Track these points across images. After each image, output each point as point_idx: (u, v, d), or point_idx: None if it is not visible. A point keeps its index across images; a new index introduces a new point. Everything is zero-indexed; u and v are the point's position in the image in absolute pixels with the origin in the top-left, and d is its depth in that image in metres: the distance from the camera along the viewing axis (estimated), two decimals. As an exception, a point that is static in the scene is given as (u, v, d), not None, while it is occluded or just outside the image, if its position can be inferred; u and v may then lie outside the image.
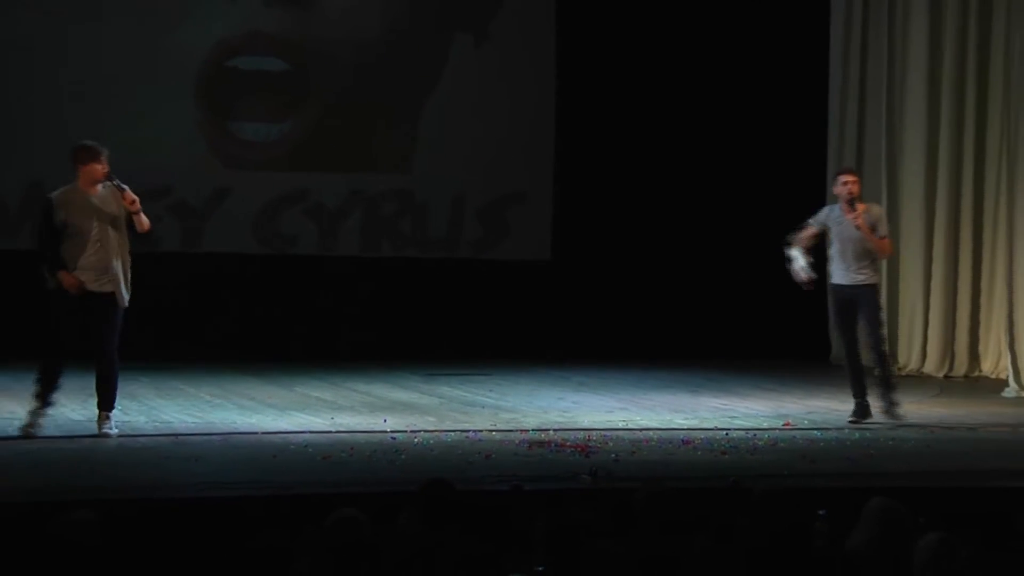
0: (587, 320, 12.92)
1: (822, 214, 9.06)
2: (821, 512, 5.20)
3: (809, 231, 9.01)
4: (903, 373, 12.01)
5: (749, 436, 8.35)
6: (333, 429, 8.43)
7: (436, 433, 8.31)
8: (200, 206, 12.55)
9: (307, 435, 8.15)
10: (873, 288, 8.98)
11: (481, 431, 8.43)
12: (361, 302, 12.70)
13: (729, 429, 8.61)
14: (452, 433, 8.33)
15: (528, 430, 8.45)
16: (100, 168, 8.25)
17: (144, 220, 8.30)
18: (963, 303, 11.96)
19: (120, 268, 8.18)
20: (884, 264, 12.23)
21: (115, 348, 8.25)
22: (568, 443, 7.91)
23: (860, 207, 8.84)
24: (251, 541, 4.47)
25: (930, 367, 11.99)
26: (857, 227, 8.78)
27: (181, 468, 7.06)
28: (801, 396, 10.39)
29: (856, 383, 8.96)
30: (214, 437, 8.08)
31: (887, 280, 12.28)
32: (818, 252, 9.17)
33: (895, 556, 4.57)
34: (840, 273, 8.92)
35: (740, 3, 13.09)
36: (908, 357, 12.14)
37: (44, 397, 8.15)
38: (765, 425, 8.82)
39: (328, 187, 12.78)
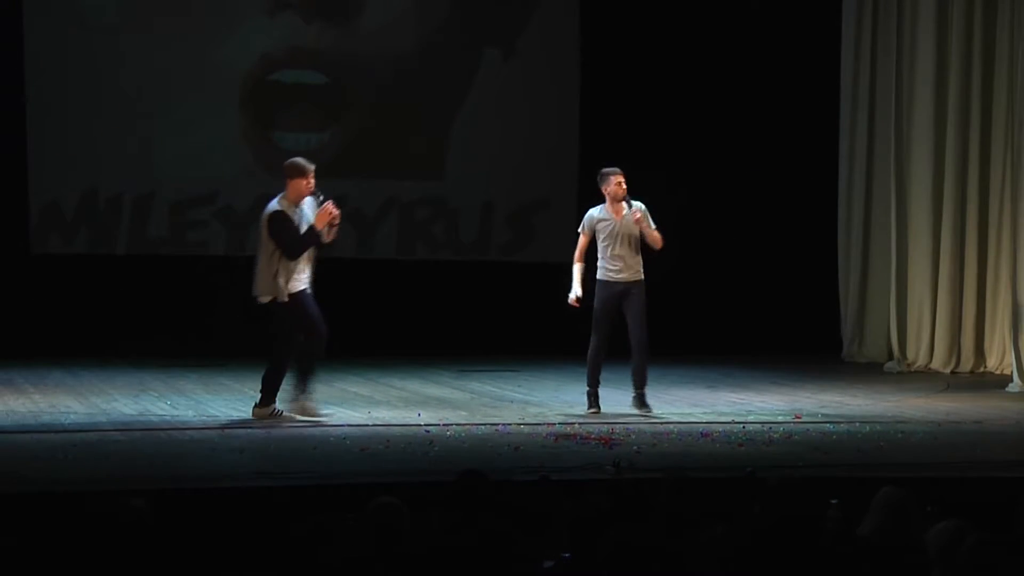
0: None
1: (588, 220, 8.88)
2: (833, 501, 5.19)
3: (583, 241, 8.88)
4: (911, 369, 11.97)
5: (765, 429, 8.33)
6: (370, 423, 8.45)
7: (467, 426, 8.32)
8: (245, 212, 12.59)
9: (346, 428, 8.18)
10: (643, 284, 8.84)
11: (510, 424, 8.44)
12: (396, 302, 12.72)
13: (745, 422, 8.60)
14: (482, 426, 8.34)
15: (554, 423, 8.46)
16: (306, 184, 8.33)
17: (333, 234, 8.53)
18: (969, 302, 11.91)
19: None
20: (893, 264, 12.26)
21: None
22: (592, 436, 7.92)
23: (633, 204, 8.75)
24: (295, 526, 4.49)
25: (937, 363, 11.94)
26: (637, 222, 8.71)
27: (227, 459, 7.09)
28: (814, 391, 10.36)
29: (596, 376, 8.86)
30: (258, 430, 8.10)
31: (895, 280, 12.25)
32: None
33: (904, 543, 4.56)
34: (614, 269, 8.78)
35: (756, 18, 13.08)
36: (916, 353, 12.09)
37: (299, 385, 8.43)
38: (780, 419, 8.80)
39: (366, 194, 12.81)
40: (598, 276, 8.90)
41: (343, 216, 13.08)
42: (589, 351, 8.96)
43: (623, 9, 13.04)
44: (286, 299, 8.29)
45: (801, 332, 12.72)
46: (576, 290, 8.94)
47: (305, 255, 8.38)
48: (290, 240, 8.27)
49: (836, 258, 12.86)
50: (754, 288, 12.95)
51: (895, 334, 12.18)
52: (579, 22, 13.03)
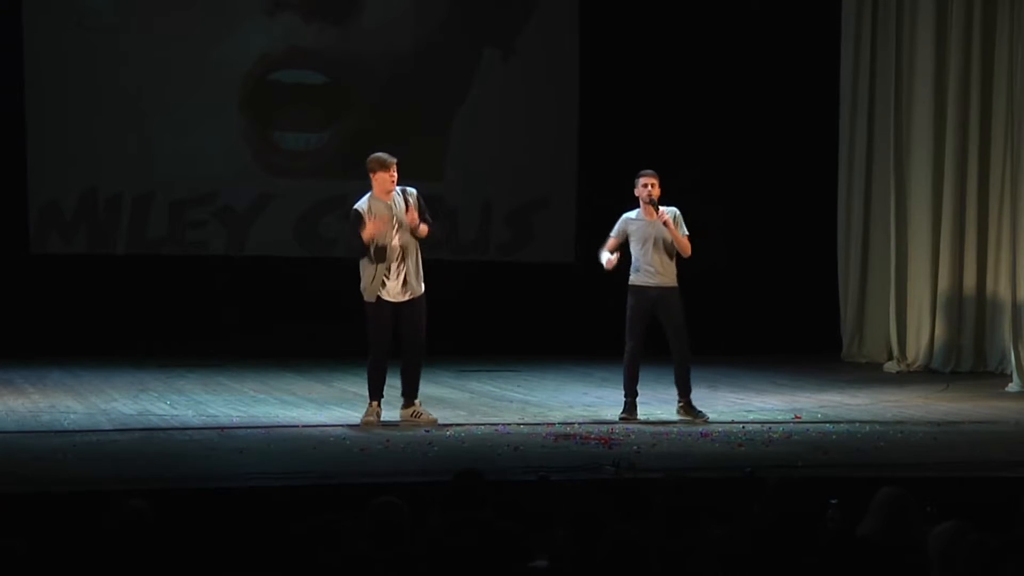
0: (609, 319, 12.88)
1: (621, 223, 8.72)
2: (833, 501, 5.20)
3: (612, 243, 8.69)
4: (911, 369, 11.97)
5: (764, 429, 8.34)
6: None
7: (467, 426, 8.33)
8: (244, 211, 12.61)
9: (345, 428, 8.19)
10: (677, 291, 8.70)
11: (509, 424, 8.44)
12: (396, 302, 12.70)
13: (745, 423, 8.61)
14: (482, 426, 8.35)
15: (554, 423, 8.46)
16: (387, 177, 8.38)
17: (422, 227, 8.47)
18: (968, 302, 11.91)
19: (415, 269, 8.42)
20: (892, 264, 12.27)
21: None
22: (592, 436, 7.92)
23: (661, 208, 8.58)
24: (295, 526, 4.50)
25: (937, 363, 11.94)
26: (664, 224, 8.54)
27: (227, 459, 7.10)
28: (813, 391, 10.37)
29: (633, 382, 8.70)
30: (257, 430, 8.11)
31: (895, 280, 12.26)
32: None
33: (903, 543, 4.57)
34: (647, 274, 8.65)
35: (755, 19, 13.08)
36: (916, 354, 12.09)
37: (377, 391, 8.37)
38: (780, 419, 8.81)
39: (365, 193, 12.79)
40: (631, 281, 8.72)
41: (342, 216, 13.18)
42: (625, 358, 8.77)
43: (622, 9, 13.04)
44: (366, 299, 8.28)
45: (801, 332, 12.72)
46: (607, 256, 8.59)
47: (392, 267, 8.32)
48: (346, 237, 8.39)
49: (836, 258, 12.86)
50: (754, 288, 12.95)
51: (895, 334, 12.18)
52: (578, 22, 13.04)
